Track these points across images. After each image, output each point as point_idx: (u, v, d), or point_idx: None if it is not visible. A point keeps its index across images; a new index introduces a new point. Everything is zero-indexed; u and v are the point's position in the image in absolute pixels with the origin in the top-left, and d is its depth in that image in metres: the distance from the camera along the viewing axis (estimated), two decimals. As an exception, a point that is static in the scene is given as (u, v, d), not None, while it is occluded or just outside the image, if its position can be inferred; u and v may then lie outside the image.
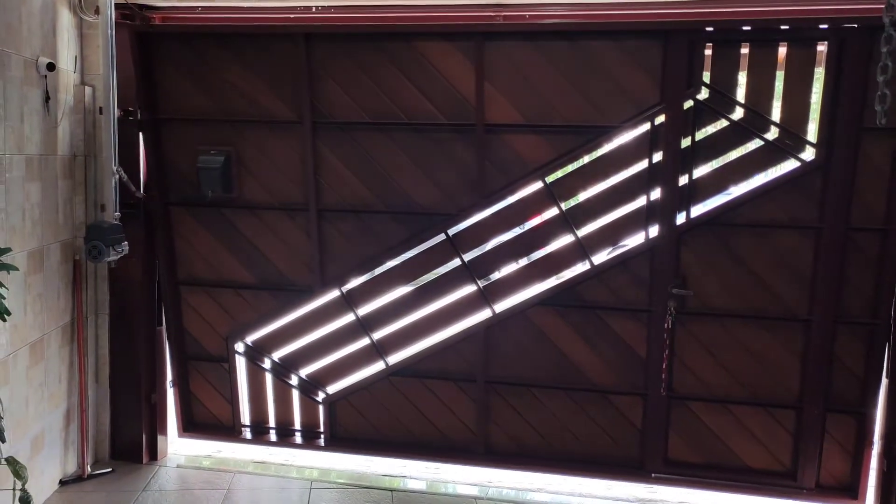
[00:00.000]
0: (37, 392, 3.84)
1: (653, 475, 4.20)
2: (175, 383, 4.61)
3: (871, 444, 3.91)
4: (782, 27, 3.68)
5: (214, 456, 4.73)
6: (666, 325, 4.00)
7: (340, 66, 4.11)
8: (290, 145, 4.24)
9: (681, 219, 3.94)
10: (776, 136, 3.81)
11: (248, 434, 4.63)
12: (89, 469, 4.28)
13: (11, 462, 2.89)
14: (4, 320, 2.78)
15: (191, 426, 4.70)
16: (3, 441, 2.76)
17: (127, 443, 4.46)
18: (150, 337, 4.46)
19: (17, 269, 2.96)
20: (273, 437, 4.61)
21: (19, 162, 3.62)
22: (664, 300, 3.99)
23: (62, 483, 4.15)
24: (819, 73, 3.71)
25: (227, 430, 4.65)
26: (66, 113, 4.10)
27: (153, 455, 4.53)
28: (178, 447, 4.76)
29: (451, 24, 3.98)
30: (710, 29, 3.74)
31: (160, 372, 4.54)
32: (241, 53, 4.17)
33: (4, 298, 2.78)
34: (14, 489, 2.95)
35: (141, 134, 4.28)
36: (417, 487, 4.32)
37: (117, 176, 4.08)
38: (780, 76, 3.73)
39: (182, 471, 4.44)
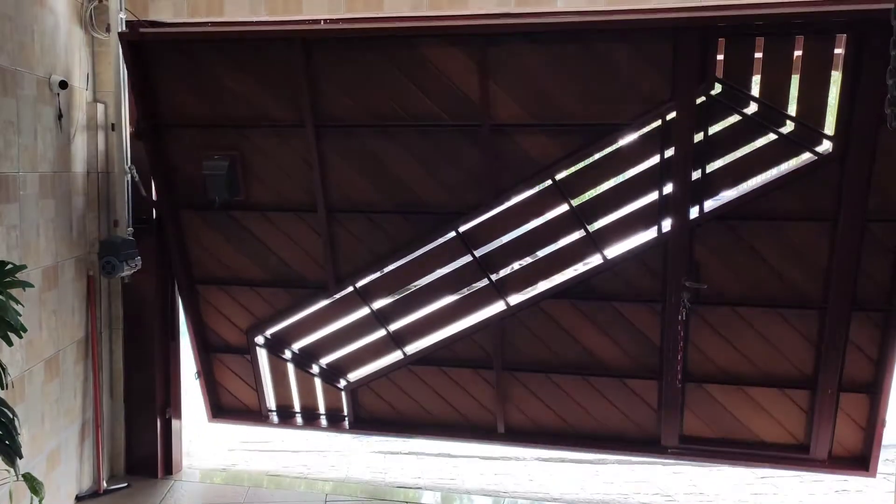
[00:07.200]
0: (52, 408, 3.86)
1: (669, 450, 4.24)
2: (200, 373, 4.65)
3: (883, 423, 3.92)
4: (796, 21, 3.58)
5: (229, 470, 4.74)
6: (680, 318, 3.99)
7: (341, 70, 4.01)
8: (295, 148, 4.18)
9: (694, 213, 3.90)
10: (791, 129, 3.73)
11: (275, 418, 4.69)
12: (105, 484, 4.29)
13: (29, 478, 2.90)
14: (21, 336, 2.80)
15: (220, 412, 4.76)
16: (21, 457, 2.76)
17: (142, 457, 4.47)
18: (164, 351, 4.47)
19: (32, 285, 2.98)
20: (299, 420, 4.68)
21: (33, 179, 3.65)
22: (678, 292, 3.98)
23: (78, 498, 4.15)
24: (836, 65, 3.62)
25: (255, 414, 4.71)
26: (79, 130, 4.13)
27: (168, 469, 4.53)
28: (192, 461, 4.77)
29: (454, 25, 3.88)
30: (723, 24, 3.64)
31: (174, 386, 4.54)
32: (237, 58, 4.07)
33: (20, 315, 2.80)
34: (31, 505, 2.96)
35: (142, 141, 4.21)
36: (432, 501, 4.30)
37: (129, 175, 4.12)
38: (795, 69, 3.66)
39: (197, 485, 4.44)
